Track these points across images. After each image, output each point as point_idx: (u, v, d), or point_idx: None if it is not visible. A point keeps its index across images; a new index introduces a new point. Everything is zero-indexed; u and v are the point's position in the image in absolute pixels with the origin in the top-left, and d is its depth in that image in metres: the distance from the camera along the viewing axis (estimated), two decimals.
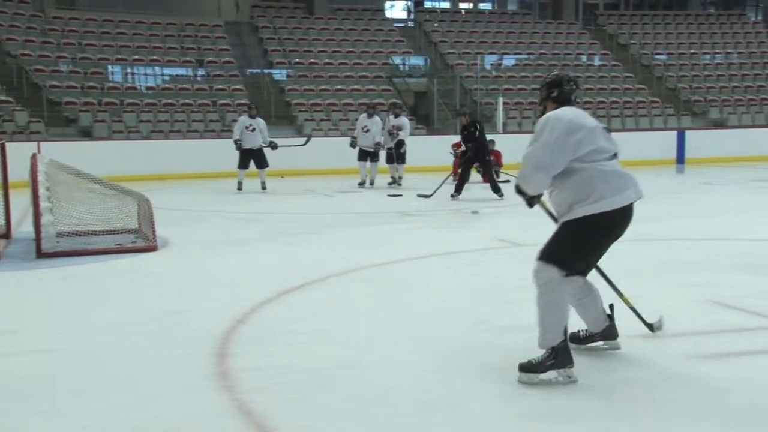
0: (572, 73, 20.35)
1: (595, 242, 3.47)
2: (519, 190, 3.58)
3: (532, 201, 3.58)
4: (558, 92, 3.62)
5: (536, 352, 3.42)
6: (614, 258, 6.23)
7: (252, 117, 13.00)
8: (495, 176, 11.87)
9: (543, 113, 3.58)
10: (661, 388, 3.29)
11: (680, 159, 19.04)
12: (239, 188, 12.94)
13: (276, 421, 2.99)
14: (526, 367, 3.36)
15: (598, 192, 3.33)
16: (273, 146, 13.02)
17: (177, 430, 2.94)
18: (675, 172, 17.48)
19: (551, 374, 3.34)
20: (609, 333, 3.77)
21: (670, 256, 6.47)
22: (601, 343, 3.81)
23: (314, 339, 4.13)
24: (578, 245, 3.44)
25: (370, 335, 4.20)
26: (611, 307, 3.79)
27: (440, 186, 11.63)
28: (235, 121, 14.65)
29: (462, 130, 11.79)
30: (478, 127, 11.54)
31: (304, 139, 14.02)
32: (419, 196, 11.50)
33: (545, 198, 3.64)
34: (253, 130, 12.92)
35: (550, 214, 3.73)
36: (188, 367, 3.66)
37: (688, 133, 19.54)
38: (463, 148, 11.87)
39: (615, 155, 3.47)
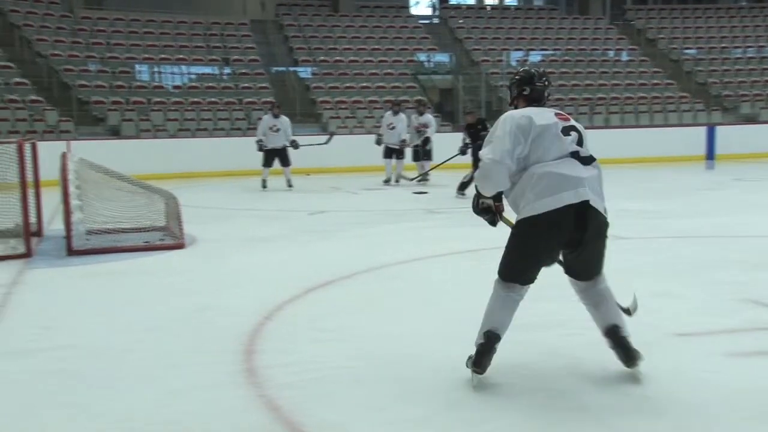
0: (600, 70, 19.94)
1: (528, 248, 3.33)
2: (480, 208, 3.54)
3: (494, 219, 3.56)
4: (530, 89, 3.50)
5: (562, 350, 3.39)
6: (645, 255, 6.25)
7: (276, 116, 13.05)
8: None
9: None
10: (694, 387, 3.25)
11: (710, 155, 18.79)
12: (264, 186, 13.00)
13: (303, 417, 3.00)
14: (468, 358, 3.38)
15: (528, 196, 3.24)
16: (295, 146, 13.06)
17: (205, 426, 2.96)
18: (704, 169, 17.25)
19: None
20: (625, 355, 3.38)
21: (699, 253, 6.40)
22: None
23: (340, 336, 4.15)
24: (511, 253, 3.38)
25: (396, 332, 4.20)
26: (613, 328, 3.43)
27: (444, 162, 11.47)
28: (260, 119, 14.73)
29: (468, 128, 11.73)
30: (487, 125, 11.49)
31: (326, 137, 14.00)
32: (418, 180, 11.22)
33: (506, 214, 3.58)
34: (277, 130, 12.97)
35: (511, 225, 3.56)
36: (216, 364, 3.69)
37: (718, 128, 19.26)
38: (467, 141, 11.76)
39: (574, 154, 3.28)
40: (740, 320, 4.29)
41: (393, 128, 13.63)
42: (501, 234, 8.09)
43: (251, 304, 4.81)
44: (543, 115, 3.33)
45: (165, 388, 3.40)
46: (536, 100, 3.49)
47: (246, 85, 19.82)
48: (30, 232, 7.00)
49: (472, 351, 3.34)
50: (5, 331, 4.43)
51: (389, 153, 13.73)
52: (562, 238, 3.28)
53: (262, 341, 4.05)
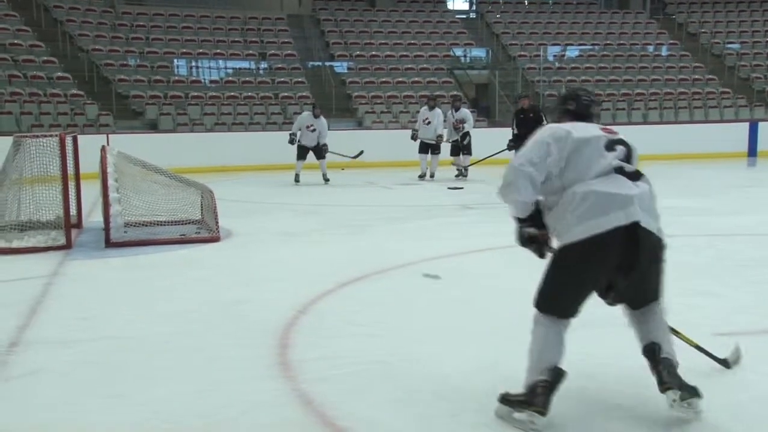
0: (639, 65, 19.64)
1: (570, 278, 2.97)
2: (524, 238, 3.21)
3: (542, 250, 3.19)
4: (576, 104, 3.26)
5: (596, 349, 3.33)
6: (685, 253, 6.14)
7: (316, 116, 13.13)
8: None
9: None
10: (735, 389, 3.22)
11: (752, 152, 18.39)
12: (296, 181, 13.08)
13: (336, 412, 3.02)
14: (504, 398, 3.00)
15: (568, 219, 2.93)
16: (325, 149, 13.13)
17: (240, 419, 2.99)
18: (746, 165, 16.92)
19: (522, 416, 2.91)
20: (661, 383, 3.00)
21: (741, 251, 6.28)
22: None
23: (374, 331, 4.15)
24: (551, 283, 3.02)
25: (430, 328, 4.20)
26: (653, 347, 3.08)
27: (496, 153, 11.37)
28: (297, 113, 14.77)
29: (517, 114, 11.60)
30: (543, 116, 11.39)
31: (358, 152, 13.93)
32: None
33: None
34: (314, 130, 13.06)
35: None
36: (250, 357, 3.73)
37: (761, 124, 18.86)
38: (516, 131, 11.66)
39: (618, 170, 2.98)
40: None
41: (429, 123, 13.59)
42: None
43: (285, 297, 4.83)
44: (585, 129, 3.08)
45: (201, 380, 3.43)
46: (581, 116, 3.23)
47: (282, 79, 19.92)
48: (70, 224, 7.12)
49: (514, 389, 3.00)
50: (45, 321, 4.50)
51: (425, 148, 13.70)
52: (610, 265, 2.92)
53: (296, 335, 4.07)
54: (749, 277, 5.25)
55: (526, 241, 3.22)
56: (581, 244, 2.88)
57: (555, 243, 3.06)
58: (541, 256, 3.20)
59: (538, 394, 2.87)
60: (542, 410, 2.86)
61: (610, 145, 3.03)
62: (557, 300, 3.01)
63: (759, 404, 3.06)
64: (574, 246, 2.90)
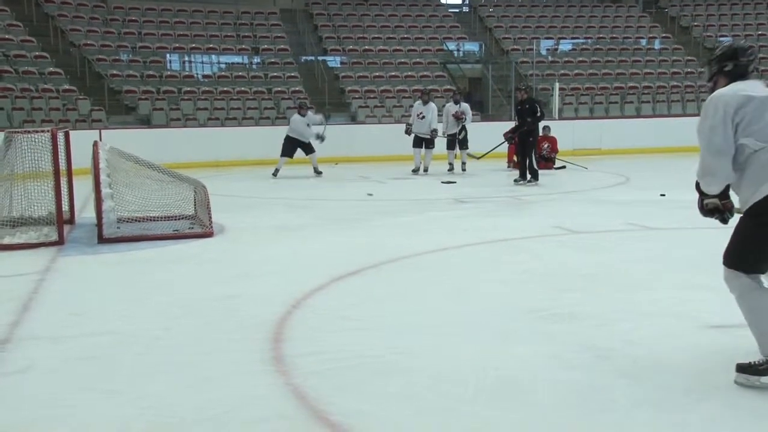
0: (632, 58, 19.73)
1: (764, 234, 3.07)
2: (706, 209, 3.28)
3: (725, 217, 3.27)
4: (733, 65, 3.20)
5: (590, 341, 3.36)
6: (680, 246, 6.16)
7: (302, 116, 13.32)
8: (534, 160, 11.63)
9: (713, 90, 3.23)
10: (728, 380, 3.20)
11: None
12: (275, 175, 13.16)
13: (329, 406, 3.01)
14: (743, 368, 3.13)
15: (761, 178, 3.02)
16: (321, 139, 13.26)
17: (233, 413, 2.98)
18: None
19: None
20: None
21: None
22: None
23: (367, 325, 4.15)
24: (754, 240, 3.10)
25: (423, 322, 4.20)
26: None
27: (492, 149, 11.42)
28: (290, 108, 14.79)
29: (517, 104, 11.70)
30: (537, 107, 11.45)
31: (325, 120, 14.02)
32: (469, 155, 11.30)
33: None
34: (309, 126, 13.30)
35: None
36: (244, 351, 3.72)
37: None
38: (516, 123, 11.74)
39: None
40: None
41: (423, 118, 13.61)
42: (531, 223, 8.07)
43: (279, 292, 4.83)
44: (756, 88, 3.10)
45: (194, 375, 3.43)
46: (740, 76, 3.19)
47: (275, 74, 19.88)
48: (62, 220, 7.09)
49: (752, 359, 3.14)
50: (38, 317, 4.48)
51: (419, 142, 13.71)
52: None
53: (290, 330, 4.07)
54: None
55: (708, 212, 3.30)
56: None
57: (747, 204, 3.11)
58: (725, 222, 3.29)
59: None
60: None
61: None
62: (757, 257, 3.10)
63: (753, 397, 3.05)
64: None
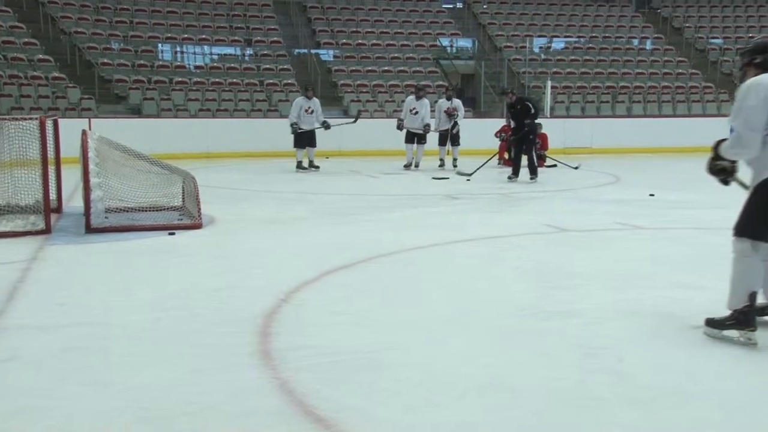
0: (624, 58, 19.88)
1: None
2: (717, 169, 3.77)
3: (728, 179, 3.80)
4: (762, 59, 3.65)
5: (580, 339, 3.43)
6: (667, 245, 6.17)
7: (309, 98, 13.18)
8: (535, 158, 11.70)
9: (743, 79, 3.68)
10: (715, 378, 3.24)
11: None
12: (299, 167, 13.10)
13: (317, 401, 3.00)
14: (710, 322, 3.70)
15: None
16: (326, 126, 13.19)
17: (220, 407, 2.97)
18: None
19: (733, 333, 3.61)
20: (762, 308, 3.78)
21: (721, 245, 6.25)
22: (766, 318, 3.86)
23: (357, 320, 4.14)
24: (762, 210, 3.57)
25: (413, 317, 4.19)
26: None
27: (481, 166, 11.54)
28: (282, 101, 14.71)
29: (509, 108, 11.72)
30: (530, 105, 11.48)
31: (354, 116, 14.04)
32: (459, 173, 11.43)
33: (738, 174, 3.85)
34: (312, 112, 13.12)
35: (744, 187, 3.83)
36: (232, 345, 3.70)
37: None
38: (513, 125, 11.74)
39: None
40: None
41: (416, 113, 13.61)
42: (522, 220, 8.07)
43: (268, 285, 4.81)
44: None
45: (181, 367, 3.41)
46: (767, 69, 3.61)
47: (267, 66, 19.81)
48: (50, 209, 7.03)
49: (720, 315, 3.66)
50: (23, 307, 4.44)
51: (411, 138, 13.71)
52: None
53: (278, 323, 4.04)
54: (727, 270, 5.27)
55: (717, 171, 3.83)
56: None
57: (761, 177, 3.55)
58: (726, 184, 3.86)
59: (747, 316, 3.56)
60: (754, 328, 3.57)
61: None
62: (766, 224, 3.58)
63: (739, 395, 3.07)
64: None
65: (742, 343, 3.57)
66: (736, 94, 3.64)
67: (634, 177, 12.32)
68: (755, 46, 3.75)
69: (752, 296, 3.59)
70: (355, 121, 13.93)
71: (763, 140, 3.50)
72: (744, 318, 3.57)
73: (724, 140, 3.73)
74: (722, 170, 3.82)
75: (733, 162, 3.79)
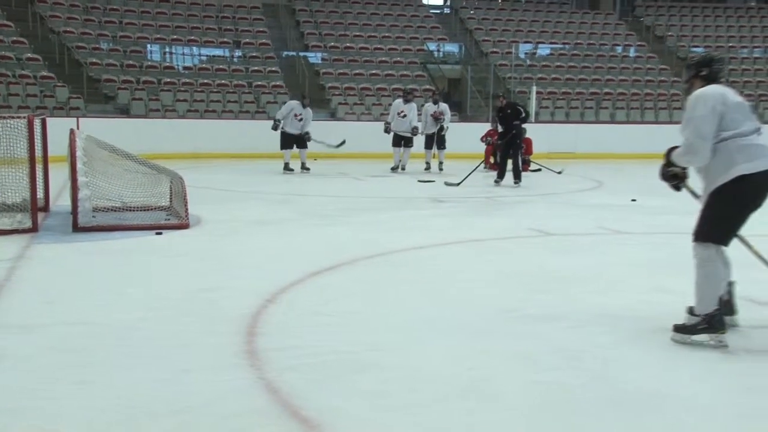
0: (608, 65, 20.05)
1: (738, 209, 3.67)
2: (669, 175, 3.95)
3: (680, 185, 3.98)
4: (707, 71, 3.83)
5: (562, 343, 3.46)
6: (645, 250, 6.25)
7: (304, 107, 13.23)
8: (520, 163, 11.80)
9: (689, 91, 3.84)
10: (689, 383, 3.28)
11: None
12: (286, 169, 13.11)
13: (303, 401, 3.00)
14: (680, 328, 3.76)
15: (735, 160, 3.58)
16: (307, 138, 13.19)
17: (205, 407, 2.97)
18: None
19: (703, 337, 3.67)
20: (726, 308, 3.87)
21: (731, 252, 6.38)
22: None
23: (342, 321, 4.16)
24: (724, 215, 3.69)
25: (398, 319, 4.22)
26: (731, 284, 3.94)
27: (468, 175, 11.61)
28: (270, 103, 14.73)
29: (498, 111, 11.79)
30: (521, 109, 11.58)
31: (340, 141, 13.95)
32: (446, 184, 11.51)
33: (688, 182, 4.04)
34: (301, 119, 13.15)
35: (694, 195, 4.03)
36: (218, 345, 3.70)
37: None
38: (501, 129, 11.81)
39: (757, 130, 3.69)
40: (744, 318, 4.26)
41: (404, 116, 13.68)
42: (506, 224, 8.12)
43: (254, 286, 4.82)
44: (732, 93, 3.73)
45: (167, 367, 3.41)
46: (711, 81, 3.80)
47: (256, 68, 19.83)
48: (37, 207, 7.01)
49: (690, 321, 3.74)
50: (9, 305, 4.44)
51: (398, 141, 13.77)
52: (761, 202, 3.67)
53: (264, 324, 4.06)
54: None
55: (670, 177, 4.01)
56: (750, 176, 3.56)
57: (715, 184, 3.66)
58: (678, 189, 4.06)
59: (717, 320, 3.63)
60: (725, 330, 3.66)
61: (752, 110, 3.78)
62: (729, 228, 3.71)
63: (713, 399, 3.13)
64: (744, 177, 3.57)
65: (713, 346, 3.64)
66: (686, 105, 3.78)
67: (616, 182, 12.44)
68: (701, 59, 3.92)
69: (720, 300, 3.69)
70: (337, 147, 13.86)
71: (713, 148, 3.63)
72: (714, 322, 3.65)
73: (675, 147, 3.88)
74: (674, 176, 4.00)
75: (684, 168, 3.96)
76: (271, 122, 13.41)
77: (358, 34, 22.39)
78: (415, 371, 3.39)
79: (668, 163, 3.96)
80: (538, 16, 25.75)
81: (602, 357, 3.57)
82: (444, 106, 13.97)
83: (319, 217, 8.13)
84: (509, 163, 11.60)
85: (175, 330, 3.97)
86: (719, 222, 3.71)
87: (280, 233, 7.10)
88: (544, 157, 15.16)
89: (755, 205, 3.68)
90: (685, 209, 4.25)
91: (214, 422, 2.83)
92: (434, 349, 3.71)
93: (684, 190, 4.08)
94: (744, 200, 3.65)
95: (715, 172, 3.66)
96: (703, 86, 3.77)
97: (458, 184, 11.29)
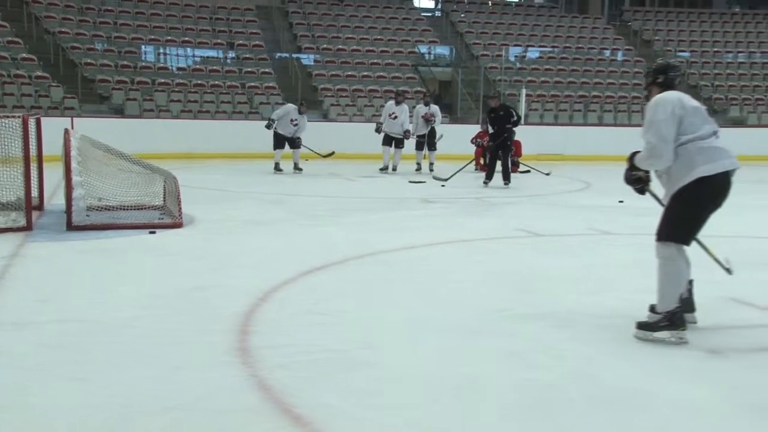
0: (596, 68, 20.13)
1: (699, 210, 3.78)
2: (634, 178, 4.06)
3: (644, 188, 4.09)
4: (664, 78, 3.97)
5: (551, 342, 3.53)
6: (632, 251, 6.31)
7: (301, 113, 13.33)
8: (510, 164, 11.90)
9: (648, 98, 3.97)
10: (678, 382, 3.31)
11: None
12: (277, 168, 13.17)
13: (294, 399, 3.01)
14: (642, 325, 3.85)
15: (695, 163, 3.69)
16: (298, 142, 13.28)
17: (198, 404, 2.97)
18: None
19: (664, 334, 3.75)
20: (686, 305, 3.94)
21: (689, 252, 6.47)
22: None
23: (334, 320, 4.18)
24: (685, 216, 3.80)
25: (388, 318, 4.25)
26: (690, 282, 4.00)
27: (457, 172, 11.69)
28: (263, 104, 14.75)
29: (490, 112, 11.84)
30: (513, 112, 11.66)
31: (329, 151, 14.06)
32: (435, 178, 11.59)
33: (651, 186, 4.15)
34: (296, 124, 13.25)
35: (657, 199, 4.18)
36: (210, 343, 3.71)
37: None
38: (491, 130, 11.88)
39: (715, 133, 3.80)
40: (722, 318, 4.37)
41: (395, 118, 13.77)
42: (495, 225, 8.17)
43: (247, 285, 4.84)
44: (688, 98, 3.86)
45: (160, 365, 3.41)
46: (668, 87, 3.93)
47: (249, 69, 19.86)
48: (31, 206, 7.05)
49: (652, 319, 3.84)
50: (3, 303, 4.44)
51: (389, 141, 13.85)
52: (721, 202, 3.78)
53: (257, 322, 4.08)
54: (696, 276, 5.39)
55: (634, 180, 4.12)
56: (710, 177, 3.68)
57: (676, 187, 3.77)
58: (642, 193, 4.18)
59: (677, 318, 3.75)
60: (685, 328, 3.77)
61: (709, 114, 3.89)
62: (689, 228, 3.84)
63: (701, 399, 3.16)
64: (704, 179, 3.68)
65: (673, 343, 3.74)
66: (645, 111, 3.92)
67: (604, 184, 12.47)
68: (657, 67, 4.05)
69: (681, 298, 3.79)
70: (324, 156, 13.97)
71: (674, 151, 3.74)
72: (675, 319, 3.75)
73: (638, 152, 3.98)
74: (638, 179, 4.10)
75: (647, 172, 4.06)
76: (265, 122, 13.49)
77: (350, 36, 22.45)
78: (406, 369, 3.41)
79: (632, 167, 4.07)
80: (528, 19, 25.90)
81: (590, 356, 3.61)
82: (435, 108, 14.07)
83: (311, 217, 8.15)
84: (498, 164, 11.68)
85: (168, 328, 3.99)
86: (681, 222, 3.82)
87: (273, 233, 7.13)
88: (533, 158, 15.25)
89: (715, 205, 3.79)
90: None
91: (207, 419, 2.84)
92: (425, 348, 3.74)
93: (648, 194, 4.21)
94: (704, 201, 3.76)
95: (677, 175, 3.77)
96: (660, 92, 3.90)
97: (446, 180, 11.38)
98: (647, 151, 3.84)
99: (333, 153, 14.12)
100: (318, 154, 13.87)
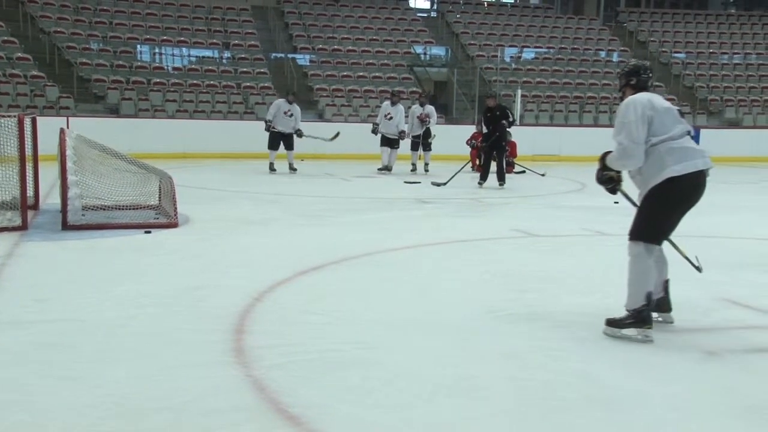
0: (591, 69, 20.22)
1: (669, 210, 3.83)
2: (605, 178, 4.13)
3: (615, 188, 4.17)
4: (636, 80, 4.03)
5: (546, 342, 3.55)
6: (620, 252, 6.30)
7: (290, 103, 13.33)
8: (504, 165, 11.92)
9: (622, 99, 4.02)
10: (670, 383, 3.32)
11: None
12: (271, 170, 13.17)
13: (289, 398, 3.01)
14: (611, 322, 3.92)
15: (665, 163, 3.75)
16: (299, 134, 13.29)
17: (192, 403, 2.97)
18: None
19: (631, 331, 3.83)
20: (662, 305, 4.07)
21: (667, 252, 6.50)
22: (655, 315, 4.02)
23: (329, 320, 4.19)
24: (655, 215, 3.86)
25: (383, 318, 4.25)
26: (666, 282, 4.07)
27: (455, 175, 11.71)
28: (258, 104, 14.75)
29: (486, 111, 11.86)
30: (509, 113, 11.69)
31: (333, 134, 14.01)
32: (433, 183, 11.62)
33: (623, 186, 4.21)
34: (291, 115, 13.24)
35: (630, 200, 4.25)
36: (206, 342, 3.71)
37: (703, 131, 19.43)
38: (485, 130, 11.90)
39: (687, 133, 3.86)
40: (717, 319, 4.40)
41: (391, 118, 13.79)
42: (490, 225, 8.19)
43: (242, 285, 4.85)
44: (659, 99, 3.91)
45: (155, 364, 3.41)
46: (641, 89, 4.01)
47: (245, 69, 19.87)
48: (27, 206, 7.03)
49: (618, 314, 3.91)
50: None
51: (386, 142, 13.89)
52: (695, 201, 3.83)
53: (252, 322, 4.08)
54: (684, 277, 5.45)
55: (606, 180, 4.19)
56: (680, 178, 3.73)
57: (648, 186, 3.84)
58: (614, 192, 4.26)
59: (644, 315, 3.81)
60: (651, 326, 3.83)
61: (680, 114, 3.95)
62: (661, 228, 3.91)
63: (693, 399, 3.19)
64: (674, 179, 3.73)
65: (639, 340, 3.80)
66: (617, 112, 3.99)
67: (599, 184, 12.51)
68: (630, 69, 4.11)
69: (648, 296, 3.83)
70: (331, 140, 13.94)
71: (645, 152, 3.80)
72: (642, 317, 3.81)
73: (610, 152, 4.04)
74: (610, 179, 4.18)
75: (619, 172, 4.13)
76: (263, 123, 13.48)
77: (346, 36, 22.47)
78: (402, 369, 3.41)
79: (603, 167, 4.14)
80: (524, 20, 25.95)
81: (586, 356, 3.63)
82: (430, 109, 14.10)
83: (306, 217, 8.16)
84: (493, 165, 11.69)
85: (163, 327, 3.99)
86: (651, 222, 3.88)
87: (268, 233, 7.13)
88: (528, 159, 15.29)
89: (687, 205, 3.84)
90: None
91: (202, 418, 2.85)
92: (420, 348, 3.74)
93: (619, 194, 4.29)
94: (674, 201, 3.81)
95: (648, 176, 3.84)
96: (633, 94, 3.96)
97: (445, 183, 11.40)
98: (618, 152, 3.90)
99: (338, 134, 14.05)
100: (323, 139, 13.85)
